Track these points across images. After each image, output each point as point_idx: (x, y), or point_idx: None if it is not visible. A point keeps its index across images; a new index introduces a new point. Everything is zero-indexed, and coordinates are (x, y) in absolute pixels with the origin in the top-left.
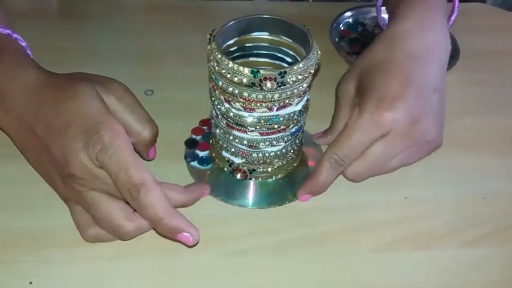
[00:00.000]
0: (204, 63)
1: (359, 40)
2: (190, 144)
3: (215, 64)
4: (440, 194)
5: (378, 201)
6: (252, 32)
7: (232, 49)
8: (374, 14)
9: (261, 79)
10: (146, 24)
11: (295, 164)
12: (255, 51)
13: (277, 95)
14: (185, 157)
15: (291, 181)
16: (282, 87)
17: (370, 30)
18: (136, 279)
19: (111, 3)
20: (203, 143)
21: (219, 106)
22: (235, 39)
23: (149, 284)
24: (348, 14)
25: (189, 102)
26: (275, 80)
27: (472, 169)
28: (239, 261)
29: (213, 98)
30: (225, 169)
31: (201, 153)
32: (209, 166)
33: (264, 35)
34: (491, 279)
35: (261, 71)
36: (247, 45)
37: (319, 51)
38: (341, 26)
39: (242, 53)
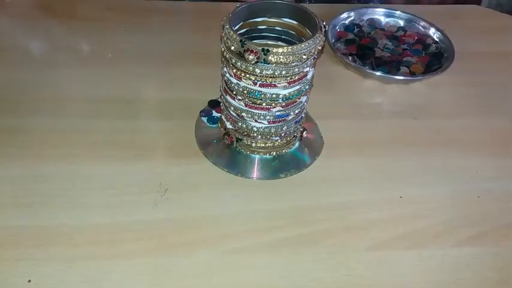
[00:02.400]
0: (202, 63)
1: (355, 41)
2: (213, 104)
3: (221, 28)
4: (435, 194)
5: (373, 200)
6: (283, 18)
7: (260, 27)
8: (370, 15)
9: (245, 49)
10: (144, 25)
11: (285, 151)
12: (283, 37)
13: (258, 70)
14: (201, 111)
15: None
16: (264, 64)
17: (366, 32)
18: (133, 278)
19: (110, 4)
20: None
21: (221, 69)
22: (264, 18)
23: (147, 282)
24: (344, 15)
25: (187, 101)
26: (256, 54)
27: (467, 169)
28: (236, 259)
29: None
30: (221, 130)
31: (215, 114)
32: (214, 125)
33: (293, 23)
34: (485, 278)
35: (248, 43)
36: (277, 28)
37: (319, 47)
38: (337, 27)
39: (271, 35)
